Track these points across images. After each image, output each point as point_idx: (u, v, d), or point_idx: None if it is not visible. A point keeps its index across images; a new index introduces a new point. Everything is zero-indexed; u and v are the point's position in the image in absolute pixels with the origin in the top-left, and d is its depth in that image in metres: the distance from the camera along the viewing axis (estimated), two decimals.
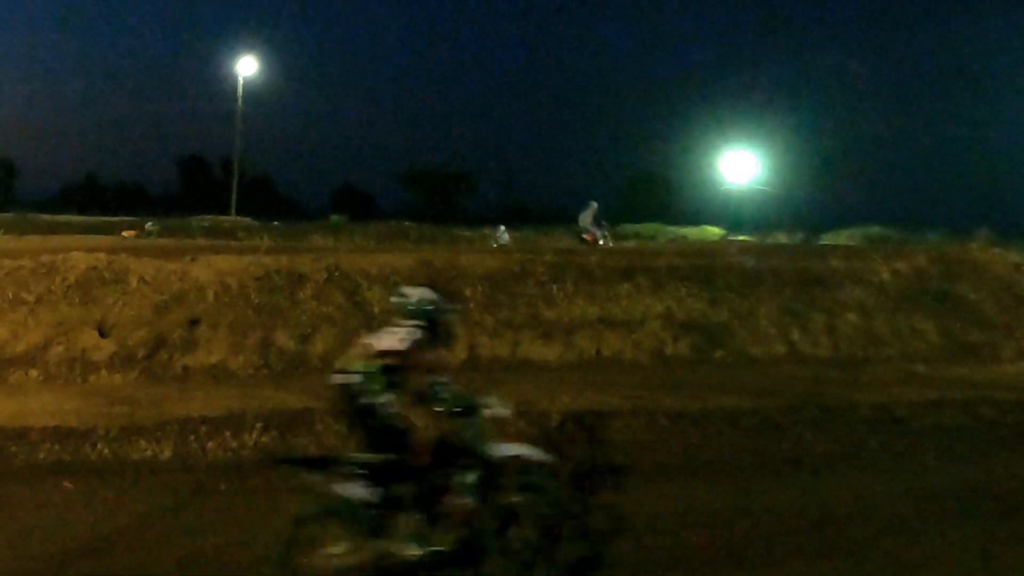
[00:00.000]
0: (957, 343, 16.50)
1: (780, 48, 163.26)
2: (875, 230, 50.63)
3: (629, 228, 53.91)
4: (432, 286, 6.07)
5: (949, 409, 11.59)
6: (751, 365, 14.58)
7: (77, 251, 14.72)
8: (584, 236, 28.02)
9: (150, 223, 29.93)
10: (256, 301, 13.73)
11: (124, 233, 26.72)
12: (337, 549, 5.37)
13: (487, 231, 31.86)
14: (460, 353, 13.45)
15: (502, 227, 31.84)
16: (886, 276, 18.09)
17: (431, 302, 5.77)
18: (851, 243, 41.44)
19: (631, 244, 31.00)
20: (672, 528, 7.15)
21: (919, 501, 8.12)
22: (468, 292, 14.80)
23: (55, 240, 20.74)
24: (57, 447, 8.80)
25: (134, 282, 13.75)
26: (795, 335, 15.78)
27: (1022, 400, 12.30)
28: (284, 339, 13.10)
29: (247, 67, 58.36)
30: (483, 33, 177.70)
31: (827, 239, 48.24)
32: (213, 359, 12.59)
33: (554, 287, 15.48)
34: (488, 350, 13.73)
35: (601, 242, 27.91)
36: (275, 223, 34.87)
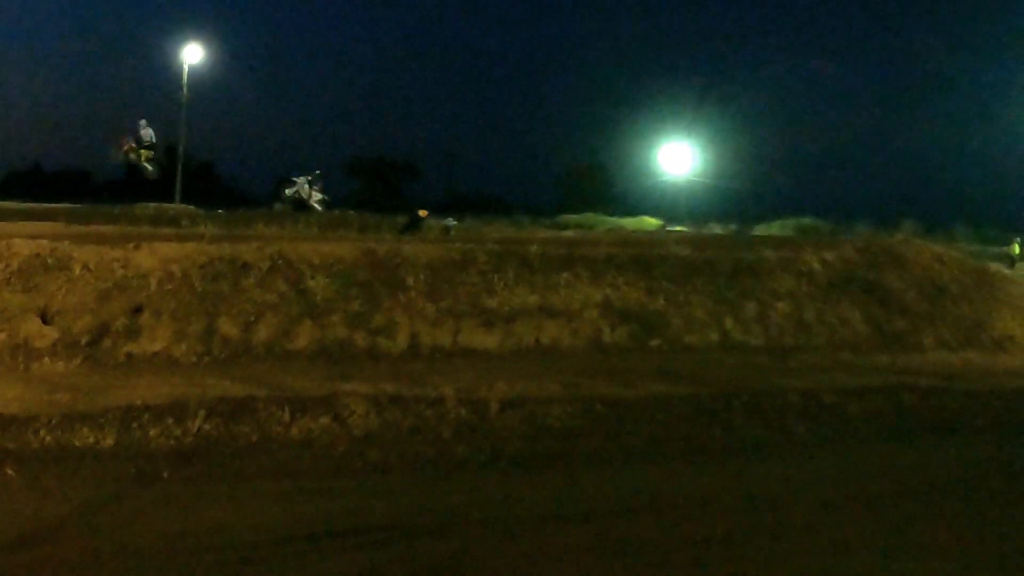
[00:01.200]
0: (882, 331, 16.80)
1: (715, 41, 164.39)
2: (806, 221, 51.44)
3: (570, 218, 54.13)
4: None
5: (874, 395, 11.80)
6: (686, 353, 14.72)
7: (19, 238, 14.47)
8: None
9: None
10: (199, 289, 13.59)
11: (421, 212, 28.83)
12: None
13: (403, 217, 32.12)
14: (402, 341, 13.47)
15: (451, 219, 32.30)
16: (816, 266, 18.34)
17: None
18: (783, 233, 42.03)
19: (569, 233, 31.06)
20: (601, 513, 7.21)
21: (845, 484, 8.28)
22: (410, 281, 14.77)
23: None
24: None
25: (77, 269, 13.52)
26: (728, 323, 15.96)
27: (942, 387, 12.60)
28: (228, 327, 12.99)
29: (193, 55, 57.57)
30: (426, 22, 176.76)
31: (760, 229, 48.88)
32: (156, 346, 12.45)
33: (495, 276, 15.49)
34: (429, 339, 13.72)
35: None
36: (219, 211, 34.43)
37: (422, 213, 29.42)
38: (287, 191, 31.41)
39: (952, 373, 14.12)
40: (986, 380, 13.63)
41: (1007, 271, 27.38)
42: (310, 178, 31.84)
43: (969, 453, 9.72)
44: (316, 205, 30.70)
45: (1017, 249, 42.53)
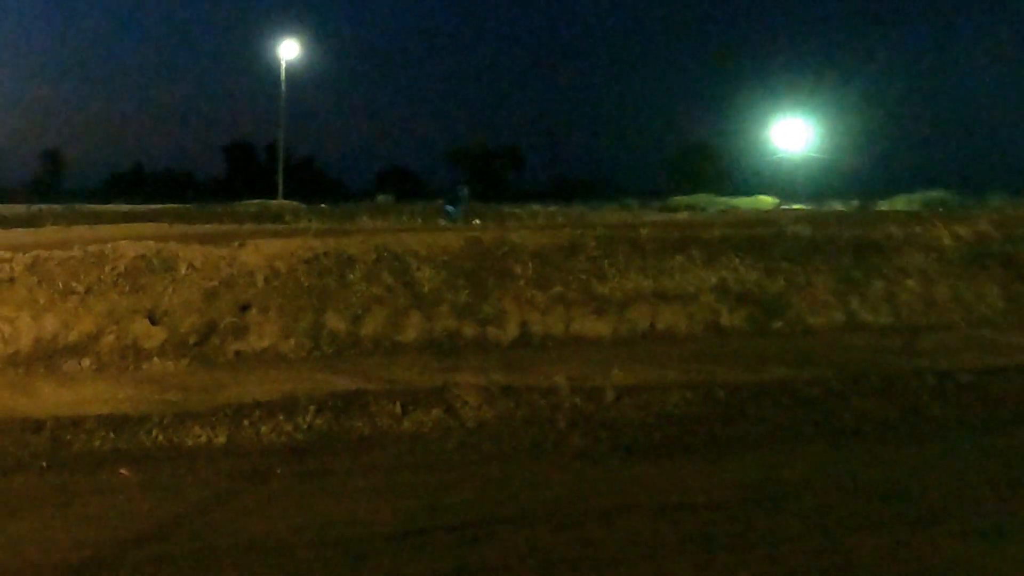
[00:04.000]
0: (1022, 307, 16.23)
1: (832, 14, 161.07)
2: (934, 195, 50.07)
3: (681, 200, 53.66)
4: None
5: (1016, 375, 11.40)
6: (809, 335, 14.43)
7: (125, 240, 14.88)
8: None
9: None
10: (306, 284, 13.81)
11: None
12: None
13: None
14: (511, 330, 13.48)
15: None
16: (947, 241, 17.81)
17: None
18: (910, 208, 40.95)
19: (681, 215, 30.77)
20: (731, 502, 7.09)
21: (985, 469, 7.99)
22: (518, 269, 14.78)
23: (103, 229, 20.96)
24: (112, 435, 8.90)
25: (183, 269, 13.86)
26: (854, 303, 15.59)
27: None
28: (335, 321, 13.16)
29: (289, 51, 58.65)
30: (528, 6, 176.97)
31: (884, 205, 47.73)
32: (264, 343, 12.69)
33: (605, 262, 15.41)
34: (540, 327, 13.70)
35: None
36: (322, 205, 35.00)
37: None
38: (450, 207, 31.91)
39: None
40: None
41: None
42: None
43: None
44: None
45: None
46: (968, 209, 33.89)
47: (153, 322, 12.88)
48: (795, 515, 6.79)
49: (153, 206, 35.78)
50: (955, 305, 16.07)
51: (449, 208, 30.79)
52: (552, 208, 37.05)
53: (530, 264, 14.98)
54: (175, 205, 36.47)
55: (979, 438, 9.05)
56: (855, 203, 49.67)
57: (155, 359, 12.21)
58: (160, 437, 8.91)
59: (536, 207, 35.99)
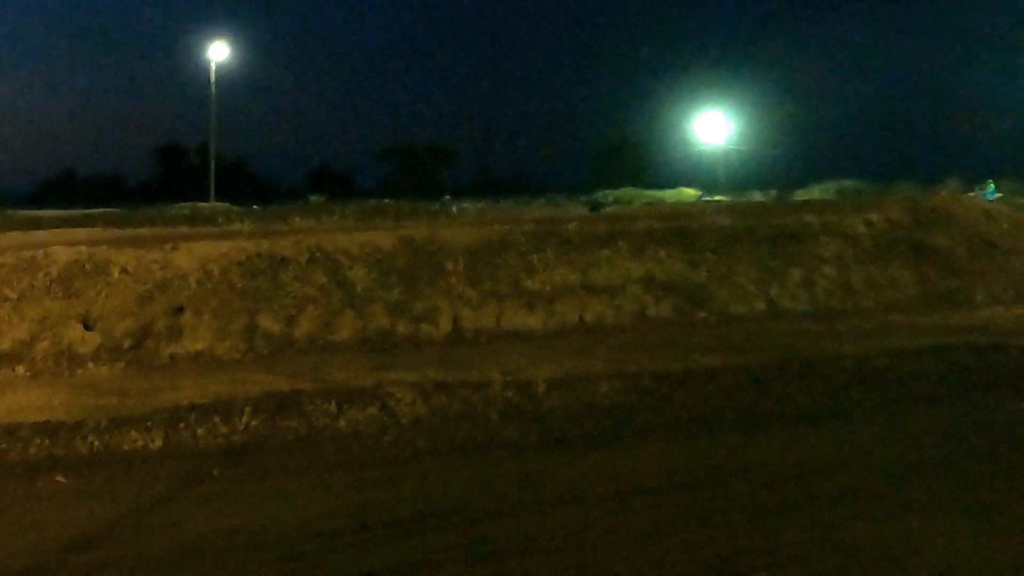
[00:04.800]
0: (933, 291, 16.60)
1: (749, 8, 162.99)
2: (847, 183, 50.94)
3: (607, 194, 53.94)
4: None
5: (927, 356, 11.62)
6: (733, 323, 14.60)
7: (58, 245, 14.59)
8: None
9: None
10: (239, 286, 13.66)
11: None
12: None
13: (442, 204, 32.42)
14: (444, 326, 13.47)
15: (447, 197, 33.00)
16: (861, 228, 18.15)
17: None
18: (824, 197, 41.60)
19: (608, 210, 30.91)
20: (660, 488, 7.13)
21: (901, 448, 8.13)
22: (450, 266, 14.76)
23: (37, 235, 20.53)
24: (48, 442, 8.70)
25: (116, 273, 13.64)
26: (774, 291, 15.83)
27: (996, 344, 12.37)
28: (269, 322, 13.04)
29: (219, 52, 57.89)
30: (456, 8, 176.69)
31: (800, 195, 48.44)
32: (199, 346, 12.52)
33: (535, 256, 15.44)
34: (472, 323, 13.70)
35: None
36: (254, 206, 34.62)
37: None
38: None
39: (1006, 329, 13.87)
40: None
41: None
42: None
43: None
44: None
45: None
46: (880, 197, 34.49)
47: (87, 327, 12.66)
48: (722, 499, 6.85)
49: (86, 211, 35.10)
50: (869, 290, 16.38)
51: None
52: (482, 205, 37.06)
53: (461, 261, 14.97)
54: (107, 209, 35.78)
55: (894, 419, 9.20)
56: (774, 193, 50.33)
57: (90, 364, 12.00)
58: (96, 443, 8.74)
59: (466, 204, 35.93)
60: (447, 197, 34.70)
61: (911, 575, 5.50)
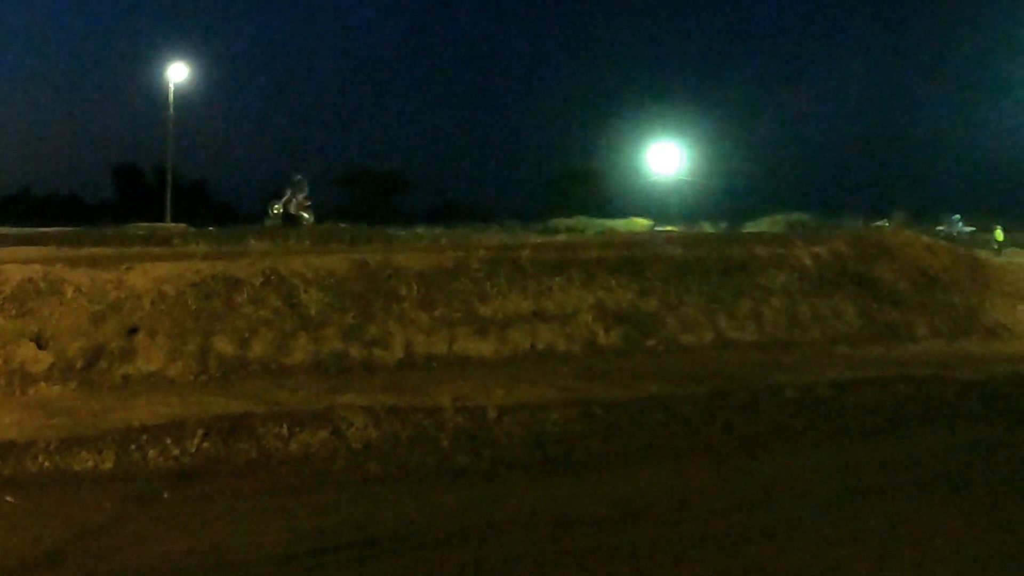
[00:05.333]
0: (875, 323, 16.83)
1: (701, 42, 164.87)
2: (795, 216, 51.49)
3: (561, 222, 54.06)
4: None
5: (869, 387, 11.79)
6: (681, 352, 14.72)
7: (12, 263, 14.40)
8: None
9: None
10: (193, 307, 13.55)
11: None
12: None
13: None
14: (397, 351, 13.44)
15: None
16: (807, 261, 18.37)
17: None
18: (773, 230, 41.99)
19: (562, 238, 30.98)
20: (606, 517, 7.17)
21: (842, 478, 8.26)
22: (404, 291, 14.74)
23: None
24: None
25: (70, 292, 13.46)
26: (722, 322, 15.96)
27: (936, 376, 12.59)
28: (222, 344, 12.94)
29: (178, 73, 57.46)
30: (413, 35, 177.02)
31: (750, 226, 48.87)
32: (152, 367, 12.40)
33: (488, 283, 15.47)
34: (424, 348, 13.69)
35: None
36: (210, 228, 34.31)
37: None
38: (274, 208, 30.16)
39: (946, 362, 14.11)
40: (980, 368, 13.61)
41: (995, 258, 27.46)
42: (292, 188, 30.33)
43: (965, 442, 9.71)
44: (304, 214, 29.70)
45: (1000, 235, 42.77)
46: (826, 230, 34.87)
47: (40, 346, 12.48)
48: (665, 528, 6.90)
49: (41, 229, 34.58)
50: (815, 322, 16.57)
51: (275, 209, 29.60)
52: (437, 230, 37.04)
53: (415, 286, 14.96)
54: (63, 228, 35.26)
55: (836, 450, 9.34)
56: (723, 225, 50.72)
57: (42, 384, 11.83)
58: (46, 463, 8.61)
59: (421, 230, 35.90)
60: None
61: None
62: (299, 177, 30.48)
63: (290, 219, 28.21)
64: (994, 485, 8.06)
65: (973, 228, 44.25)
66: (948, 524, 7.03)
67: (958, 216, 47.73)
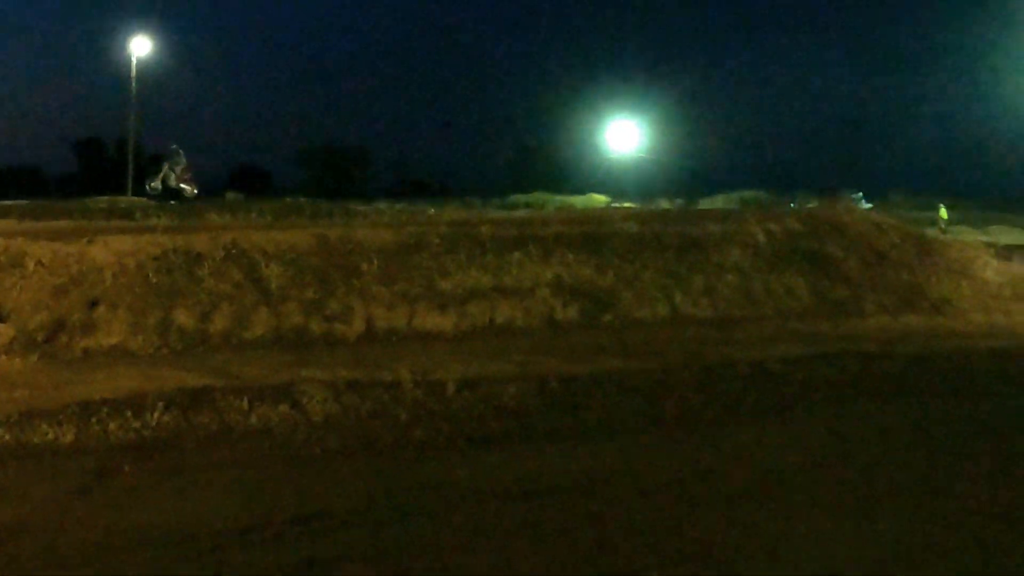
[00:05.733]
0: (825, 299, 17.00)
1: (660, 19, 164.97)
2: (749, 193, 51.90)
3: (520, 198, 54.05)
4: None
5: (818, 363, 11.95)
6: (637, 327, 14.78)
7: None
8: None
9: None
10: (154, 281, 13.42)
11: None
12: None
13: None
14: (357, 326, 13.41)
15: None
16: (760, 238, 18.48)
17: None
18: (728, 206, 42.24)
19: (520, 213, 30.97)
20: (564, 489, 7.21)
21: (792, 452, 8.34)
22: (364, 266, 14.69)
23: None
24: None
25: (31, 265, 13.29)
26: (677, 297, 16.05)
27: (883, 351, 12.76)
28: (183, 318, 12.84)
29: (141, 47, 56.62)
30: (375, 11, 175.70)
31: (705, 203, 49.14)
32: (113, 340, 12.29)
33: (448, 258, 15.44)
34: (385, 323, 13.67)
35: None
36: (172, 202, 33.92)
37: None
38: (150, 185, 28.32)
39: (893, 338, 14.31)
40: (924, 343, 13.83)
41: (941, 236, 27.80)
42: (168, 161, 28.48)
43: (910, 415, 9.83)
44: (185, 186, 27.91)
45: (945, 214, 43.33)
46: (780, 207, 35.13)
47: (0, 319, 12.33)
48: (621, 499, 6.96)
49: (3, 202, 34.01)
50: (768, 297, 16.71)
51: (152, 186, 27.86)
52: (398, 206, 36.87)
53: (376, 261, 14.91)
54: (24, 201, 34.72)
55: (786, 423, 9.44)
56: (680, 201, 50.94)
57: (2, 356, 11.67)
58: (7, 436, 8.50)
59: (382, 205, 35.71)
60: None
61: (791, 573, 5.65)
62: (175, 147, 28.92)
63: (172, 194, 26.67)
64: (936, 456, 8.20)
65: (871, 205, 44.91)
66: (893, 491, 7.14)
67: (860, 194, 48.38)
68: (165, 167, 27.65)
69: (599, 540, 6.11)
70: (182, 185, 27.29)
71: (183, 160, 27.76)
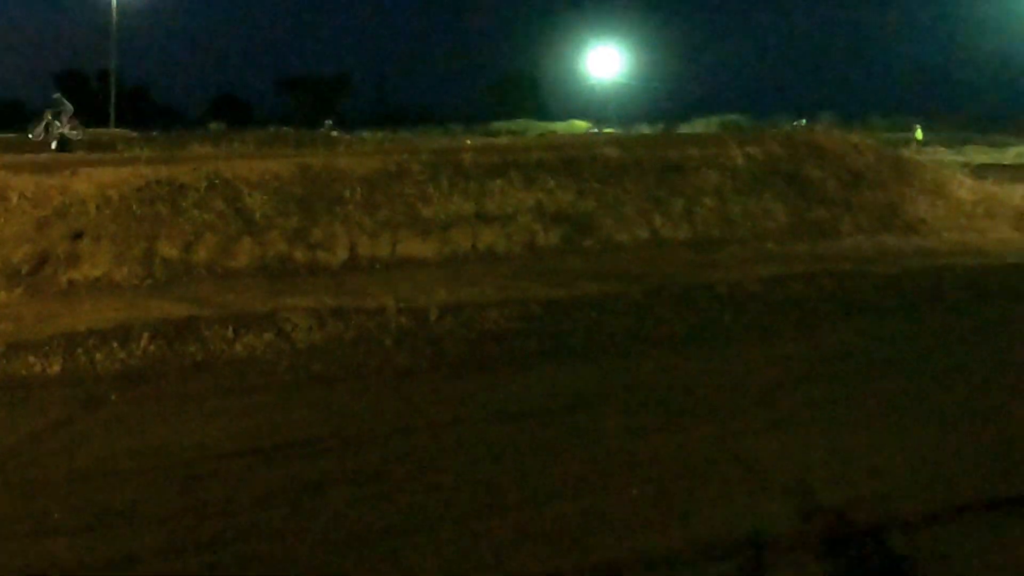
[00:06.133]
0: (803, 220, 16.97)
1: None
2: (730, 118, 51.73)
3: (502, 125, 53.71)
4: None
5: (795, 282, 11.96)
6: (618, 251, 14.75)
7: None
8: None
9: None
10: (138, 212, 13.28)
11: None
12: None
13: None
14: (341, 254, 13.34)
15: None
16: (740, 161, 18.37)
17: None
18: (708, 131, 42.08)
19: (502, 140, 30.73)
20: (548, 410, 7.23)
21: (770, 368, 8.38)
22: (347, 194, 14.56)
23: None
24: None
25: (14, 199, 13.14)
26: (657, 221, 15.99)
27: (857, 271, 12.80)
28: (167, 248, 12.73)
29: None
30: None
31: (686, 128, 48.94)
32: (98, 272, 12.18)
33: (430, 186, 15.32)
34: (368, 250, 13.59)
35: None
36: (154, 133, 33.56)
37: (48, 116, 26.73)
38: (33, 132, 27.45)
39: (868, 257, 14.34)
40: (899, 262, 13.87)
41: (916, 156, 27.76)
42: (51, 110, 27.58)
43: (883, 333, 9.87)
44: (72, 132, 27.09)
45: (920, 135, 43.27)
46: (760, 131, 35.01)
47: None
48: (602, 420, 6.99)
49: None
50: (746, 219, 16.67)
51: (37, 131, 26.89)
52: (380, 134, 36.55)
53: (358, 189, 14.78)
54: (5, 134, 34.29)
55: (763, 342, 9.46)
56: (660, 126, 50.72)
57: None
58: None
59: (365, 133, 35.43)
60: (328, 122, 33.08)
61: (768, 484, 5.69)
62: (56, 95, 28.24)
63: (59, 143, 25.91)
64: (909, 372, 8.26)
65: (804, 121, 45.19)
66: (868, 407, 7.20)
67: (803, 120, 48.39)
68: (48, 115, 26.88)
69: (581, 458, 6.13)
70: (71, 131, 26.62)
71: (69, 108, 27.08)
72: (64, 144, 24.32)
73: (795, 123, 44.37)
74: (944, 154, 35.24)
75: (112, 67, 57.92)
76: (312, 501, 5.48)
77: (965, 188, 19.97)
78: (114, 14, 55.35)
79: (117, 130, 40.61)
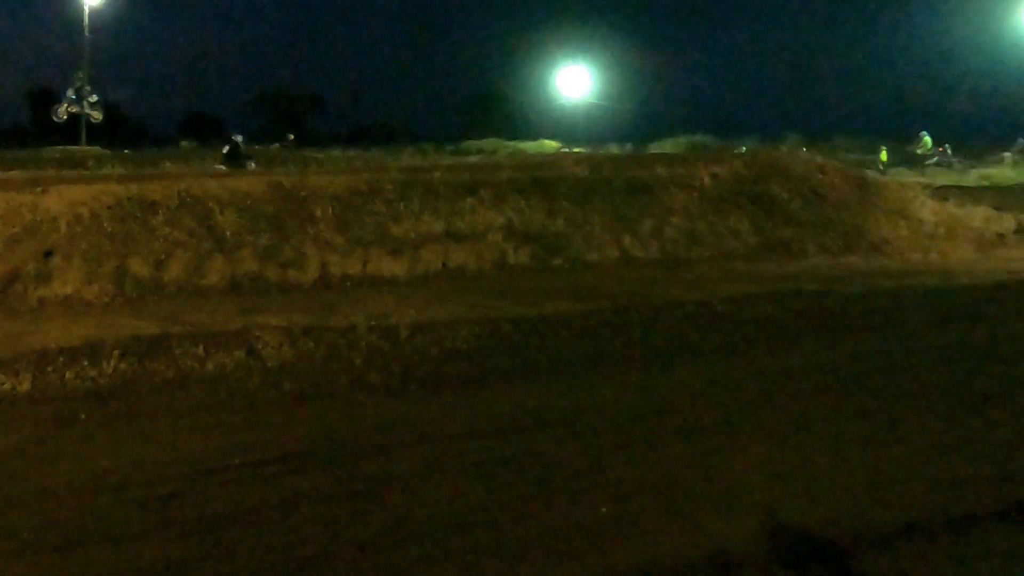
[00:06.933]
0: (769, 240, 17.13)
1: None
2: (697, 138, 52.00)
3: (473, 144, 53.76)
4: None
5: (762, 302, 12.03)
6: (587, 270, 14.83)
7: None
8: None
9: None
10: (109, 229, 13.22)
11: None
12: None
13: None
14: (312, 272, 13.32)
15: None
16: (707, 180, 18.54)
17: None
18: (676, 151, 42.33)
19: (473, 159, 30.80)
20: (514, 429, 7.23)
21: (738, 387, 8.41)
22: (318, 212, 14.56)
23: None
24: None
25: None
26: (626, 240, 16.09)
27: (824, 290, 12.92)
28: (138, 266, 12.67)
29: None
30: None
31: (654, 148, 49.17)
32: (68, 289, 12.10)
33: (401, 204, 15.34)
34: (339, 268, 13.58)
35: None
36: (125, 151, 33.31)
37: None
38: (56, 111, 27.42)
39: (833, 277, 14.47)
40: (863, 282, 14.00)
41: (881, 178, 28.06)
42: (75, 87, 27.59)
43: (849, 352, 9.94)
44: (93, 112, 27.10)
45: (885, 156, 43.62)
46: (726, 151, 35.22)
47: None
48: (570, 438, 6.99)
49: None
50: (713, 239, 16.81)
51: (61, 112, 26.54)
52: (352, 153, 36.50)
53: (330, 208, 14.78)
54: None
55: (731, 360, 9.50)
56: (629, 146, 50.93)
57: None
58: None
59: (336, 152, 35.36)
60: (290, 137, 32.90)
61: (735, 502, 5.72)
62: (80, 74, 28.42)
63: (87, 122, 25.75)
64: (876, 388, 8.31)
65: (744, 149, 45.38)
66: (830, 423, 7.25)
67: (743, 148, 48.94)
68: (72, 94, 26.83)
69: (549, 477, 6.14)
70: (93, 112, 26.58)
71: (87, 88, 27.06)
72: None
73: (735, 150, 44.47)
74: (908, 175, 35.57)
75: (83, 86, 57.60)
76: (284, 518, 5.46)
77: (927, 209, 20.22)
78: (87, 32, 55.00)
79: (88, 148, 40.29)
